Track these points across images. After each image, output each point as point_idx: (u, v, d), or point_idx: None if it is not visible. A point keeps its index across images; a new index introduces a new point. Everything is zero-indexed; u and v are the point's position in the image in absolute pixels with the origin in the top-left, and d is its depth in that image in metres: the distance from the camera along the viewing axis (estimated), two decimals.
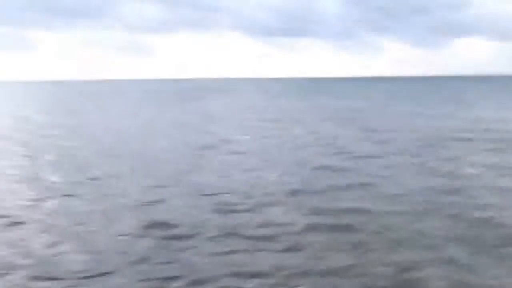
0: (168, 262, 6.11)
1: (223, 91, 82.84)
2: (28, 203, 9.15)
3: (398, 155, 13.99)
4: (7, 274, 5.80)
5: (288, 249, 6.49)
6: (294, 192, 9.70)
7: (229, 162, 13.25)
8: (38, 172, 12.15)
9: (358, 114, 29.17)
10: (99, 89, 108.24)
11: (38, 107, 42.58)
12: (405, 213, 8.12)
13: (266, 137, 18.79)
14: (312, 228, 7.37)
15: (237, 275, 5.67)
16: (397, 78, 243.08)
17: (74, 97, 64.77)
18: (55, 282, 5.57)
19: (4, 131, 22.33)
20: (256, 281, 5.49)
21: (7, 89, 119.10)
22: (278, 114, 30.14)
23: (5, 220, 8.05)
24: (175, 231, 7.34)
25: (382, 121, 24.46)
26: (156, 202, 9.10)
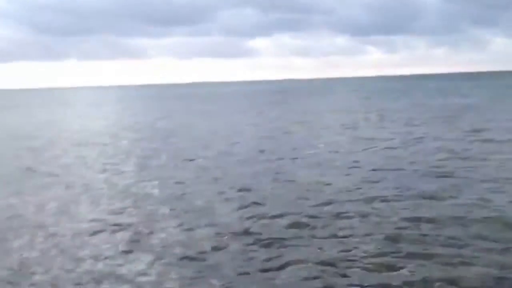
0: None
1: (320, 92, 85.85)
2: None
3: None
4: None
5: None
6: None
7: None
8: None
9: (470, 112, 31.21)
10: (205, 91, 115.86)
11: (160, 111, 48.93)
12: None
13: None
14: None
15: None
16: (503, 73, 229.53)
17: (193, 98, 71.76)
18: None
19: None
20: None
21: (116, 93, 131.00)
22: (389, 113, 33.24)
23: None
24: None
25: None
26: None
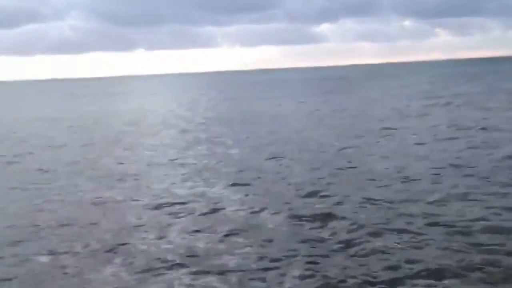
0: None
1: (396, 76, 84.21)
2: None
3: None
4: None
5: None
6: None
7: None
8: None
9: None
10: (271, 78, 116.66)
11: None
12: None
13: None
14: None
15: None
16: None
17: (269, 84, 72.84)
18: None
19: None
20: None
21: (190, 79, 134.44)
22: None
23: None
24: None
25: None
26: None
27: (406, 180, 11.04)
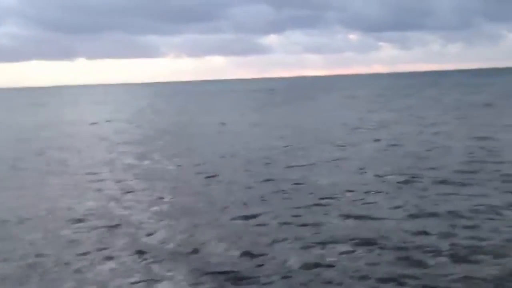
0: None
1: (341, 88, 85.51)
2: None
3: None
4: None
5: None
6: None
7: None
8: None
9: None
10: (216, 89, 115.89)
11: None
12: None
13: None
14: None
15: None
16: None
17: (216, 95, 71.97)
18: None
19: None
20: None
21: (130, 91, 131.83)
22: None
23: None
24: None
25: None
26: None
27: (347, 195, 10.62)
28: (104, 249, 7.78)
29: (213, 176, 13.10)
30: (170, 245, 7.85)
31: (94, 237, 8.40)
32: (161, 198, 11.02)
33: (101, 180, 13.13)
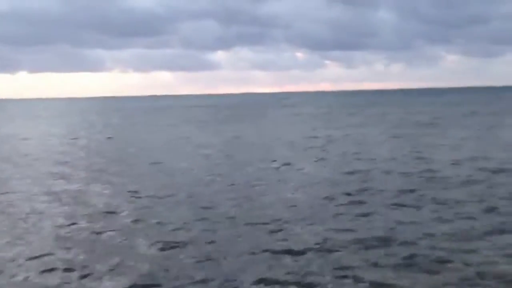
0: None
1: (286, 105, 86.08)
2: None
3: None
4: None
5: None
6: None
7: None
8: None
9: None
10: (162, 105, 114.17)
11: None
12: None
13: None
14: None
15: None
16: (455, 89, 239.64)
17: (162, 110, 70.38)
18: None
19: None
20: None
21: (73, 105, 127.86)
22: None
23: None
24: None
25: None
26: None
27: (285, 215, 9.95)
28: None
29: (135, 194, 12.28)
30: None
31: None
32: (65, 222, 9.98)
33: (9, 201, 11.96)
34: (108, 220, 10.28)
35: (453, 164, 16.16)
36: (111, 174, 16.06)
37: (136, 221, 10.16)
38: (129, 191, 13.16)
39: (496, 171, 14.47)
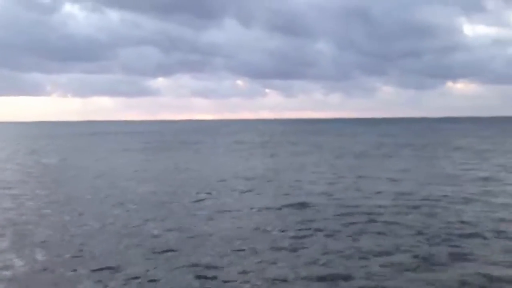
0: None
1: (227, 133, 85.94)
2: None
3: None
4: None
5: None
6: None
7: None
8: None
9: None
10: (101, 130, 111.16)
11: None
12: None
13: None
14: None
15: None
16: (390, 119, 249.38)
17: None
18: None
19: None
20: None
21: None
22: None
23: None
24: None
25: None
26: None
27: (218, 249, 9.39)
28: None
29: (65, 224, 11.55)
30: None
31: None
32: None
33: None
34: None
35: (387, 194, 16.53)
36: (38, 201, 15.21)
37: (70, 256, 9.56)
38: (58, 221, 12.47)
39: (431, 202, 14.92)
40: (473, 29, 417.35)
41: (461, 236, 10.77)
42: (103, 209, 14.33)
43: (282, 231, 11.45)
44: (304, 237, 10.90)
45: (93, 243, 10.53)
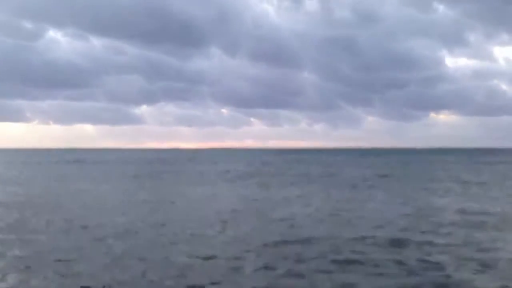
0: None
1: (212, 162, 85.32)
2: None
3: None
4: None
5: None
6: None
7: None
8: None
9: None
10: (84, 158, 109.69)
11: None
12: None
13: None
14: None
15: None
16: (374, 149, 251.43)
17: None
18: None
19: None
20: None
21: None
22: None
23: None
24: None
25: None
26: None
27: None
28: None
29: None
30: None
31: None
32: None
33: None
34: None
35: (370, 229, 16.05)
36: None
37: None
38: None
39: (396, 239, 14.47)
40: (455, 62, 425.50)
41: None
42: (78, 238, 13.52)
43: (259, 269, 10.81)
44: (288, 269, 10.26)
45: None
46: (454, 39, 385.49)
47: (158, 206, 22.30)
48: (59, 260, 11.55)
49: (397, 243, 13.50)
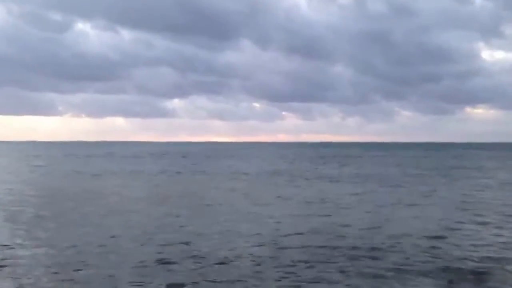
0: None
1: (248, 155, 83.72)
2: None
3: None
4: None
5: None
6: None
7: None
8: None
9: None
10: (115, 151, 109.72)
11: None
12: None
13: None
14: None
15: None
16: (408, 144, 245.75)
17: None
18: None
19: None
20: None
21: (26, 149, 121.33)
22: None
23: None
24: None
25: None
26: None
27: None
28: None
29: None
30: None
31: None
32: None
33: None
34: None
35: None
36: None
37: None
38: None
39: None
40: (492, 55, 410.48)
41: None
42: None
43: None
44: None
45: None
46: (491, 32, 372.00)
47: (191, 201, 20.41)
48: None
49: None
